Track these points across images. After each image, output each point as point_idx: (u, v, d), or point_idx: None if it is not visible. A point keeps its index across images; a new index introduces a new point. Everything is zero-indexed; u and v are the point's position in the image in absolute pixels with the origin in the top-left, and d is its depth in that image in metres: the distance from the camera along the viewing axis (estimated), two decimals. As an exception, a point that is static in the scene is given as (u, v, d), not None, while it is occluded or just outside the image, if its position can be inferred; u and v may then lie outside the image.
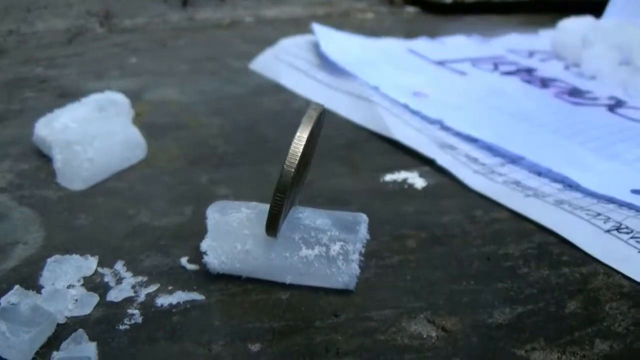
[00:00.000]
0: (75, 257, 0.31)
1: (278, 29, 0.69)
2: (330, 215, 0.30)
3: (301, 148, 0.26)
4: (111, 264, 0.31)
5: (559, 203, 0.35)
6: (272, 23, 0.72)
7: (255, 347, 0.26)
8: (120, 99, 0.44)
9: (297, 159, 0.26)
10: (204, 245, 0.29)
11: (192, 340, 0.26)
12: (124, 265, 0.31)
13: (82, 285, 0.29)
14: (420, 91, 0.50)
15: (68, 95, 0.50)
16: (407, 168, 0.41)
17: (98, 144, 0.38)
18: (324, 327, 0.27)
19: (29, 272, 0.30)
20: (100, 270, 0.30)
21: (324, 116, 0.30)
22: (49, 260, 0.30)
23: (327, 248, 0.28)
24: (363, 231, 0.30)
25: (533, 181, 0.38)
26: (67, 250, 0.31)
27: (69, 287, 0.29)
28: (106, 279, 0.30)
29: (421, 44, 0.63)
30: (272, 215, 0.27)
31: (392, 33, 0.68)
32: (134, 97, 0.52)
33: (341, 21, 0.72)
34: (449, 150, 0.41)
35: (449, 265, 0.31)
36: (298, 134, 0.26)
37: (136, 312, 0.28)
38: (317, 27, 0.58)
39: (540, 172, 0.39)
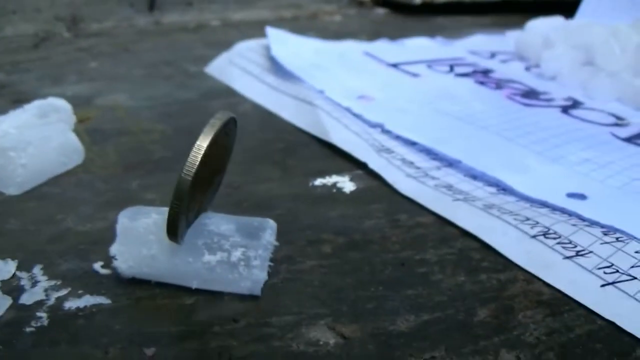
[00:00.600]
0: (-3, 261, 0.31)
1: (244, 32, 0.69)
2: (236, 221, 0.30)
3: (199, 157, 0.27)
4: (30, 268, 0.31)
5: (488, 207, 0.35)
6: (238, 26, 0.72)
7: (149, 351, 0.26)
8: (63, 105, 0.44)
9: (195, 167, 0.27)
10: (113, 249, 0.30)
11: (91, 343, 0.26)
12: (41, 269, 0.31)
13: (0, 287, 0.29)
14: (366, 94, 0.50)
15: (23, 101, 0.50)
16: (339, 172, 0.41)
17: (32, 150, 0.38)
18: (222, 333, 0.27)
19: None
20: (18, 274, 0.30)
21: (235, 125, 0.30)
22: (-34, 264, 0.30)
23: (228, 254, 0.29)
24: (268, 237, 0.30)
25: (466, 185, 0.38)
26: (-13, 253, 0.32)
27: (-19, 290, 0.29)
28: (22, 283, 0.30)
29: (378, 46, 0.62)
30: (169, 221, 0.27)
31: (358, 35, 0.68)
32: (85, 102, 0.52)
33: (308, 24, 0.72)
34: (385, 154, 0.41)
35: (361, 271, 0.31)
36: (198, 142, 0.27)
37: (44, 315, 0.28)
38: (270, 30, 0.58)
39: (475, 175, 0.39)
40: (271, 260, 0.30)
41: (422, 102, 0.49)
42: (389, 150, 0.42)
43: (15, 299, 0.29)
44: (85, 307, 0.28)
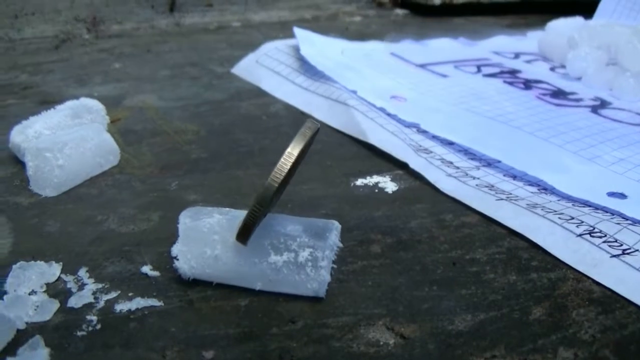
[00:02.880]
0: (40, 263, 0.31)
1: (265, 33, 0.69)
2: (301, 222, 0.30)
3: (289, 165, 0.26)
4: (75, 271, 0.31)
5: (532, 207, 0.35)
6: (259, 27, 0.72)
7: (208, 354, 0.26)
8: (95, 105, 0.44)
9: (283, 174, 0.26)
10: (175, 250, 0.29)
11: (146, 346, 0.26)
12: (87, 271, 0.31)
13: (45, 291, 0.29)
14: (398, 95, 0.50)
15: (49, 102, 0.50)
16: (379, 172, 0.40)
17: (69, 151, 0.38)
18: (280, 334, 0.27)
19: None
20: (63, 276, 0.30)
21: (318, 133, 0.30)
22: (14, 266, 0.30)
23: (295, 254, 0.28)
24: (334, 238, 0.30)
25: (507, 184, 0.38)
26: (33, 256, 0.31)
27: (30, 293, 0.29)
28: (68, 286, 0.30)
29: (404, 47, 0.62)
30: (245, 224, 0.27)
31: (378, 36, 0.68)
32: (113, 103, 0.52)
33: (328, 24, 0.72)
34: (424, 153, 0.41)
35: (413, 271, 0.31)
36: (289, 150, 0.27)
37: (94, 318, 0.27)
38: (298, 30, 0.58)
39: (515, 175, 0.39)
40: (331, 261, 0.30)
41: (453, 102, 0.49)
42: (427, 150, 0.42)
43: (63, 302, 0.28)
44: (137, 309, 0.28)
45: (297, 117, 0.50)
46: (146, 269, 0.31)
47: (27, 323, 0.27)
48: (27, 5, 0.71)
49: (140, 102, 0.52)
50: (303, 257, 0.28)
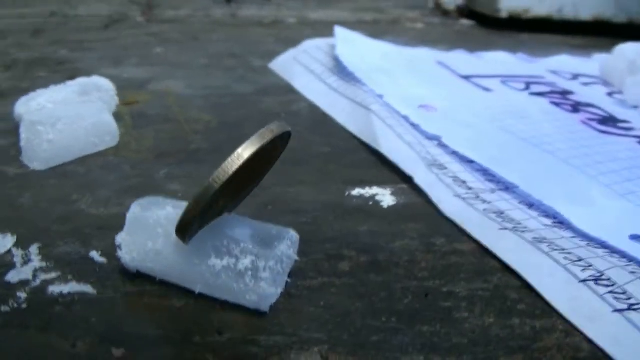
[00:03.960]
0: (-4, 233, 0.30)
1: (319, 31, 0.66)
2: (254, 226, 0.27)
3: (235, 167, 0.24)
4: (27, 246, 0.29)
5: (538, 241, 0.30)
6: (314, 25, 0.69)
7: (118, 352, 0.23)
8: (106, 84, 0.43)
9: (227, 177, 0.24)
10: (119, 238, 0.28)
11: (60, 334, 0.24)
12: (38, 248, 0.29)
13: (-12, 262, 0.28)
14: (429, 104, 0.46)
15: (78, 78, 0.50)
16: (382, 184, 0.37)
17: (61, 126, 0.37)
18: (200, 344, 0.24)
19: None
20: (14, 250, 0.29)
21: (288, 138, 0.27)
22: (-31, 232, 0.29)
23: (236, 260, 0.25)
24: (284, 249, 0.26)
25: (519, 213, 0.33)
26: (-7, 226, 0.30)
27: (-26, 262, 0.28)
28: (15, 260, 0.28)
29: (453, 56, 0.58)
30: (181, 222, 0.25)
31: (436, 44, 0.64)
32: (138, 86, 0.51)
33: (388, 28, 0.68)
34: (436, 169, 0.37)
35: (375, 297, 0.27)
36: (239, 151, 0.24)
37: (24, 296, 0.26)
38: (338, 29, 0.55)
39: (532, 204, 0.34)
40: (278, 273, 0.27)
41: (488, 118, 0.45)
42: (441, 166, 0.38)
43: (2, 275, 0.27)
44: (69, 294, 0.26)
45: (318, 119, 0.47)
46: (95, 254, 0.29)
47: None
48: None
49: (165, 87, 0.51)
50: (243, 265, 0.25)
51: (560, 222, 0.33)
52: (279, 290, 0.27)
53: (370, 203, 0.35)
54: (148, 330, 0.25)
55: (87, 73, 0.51)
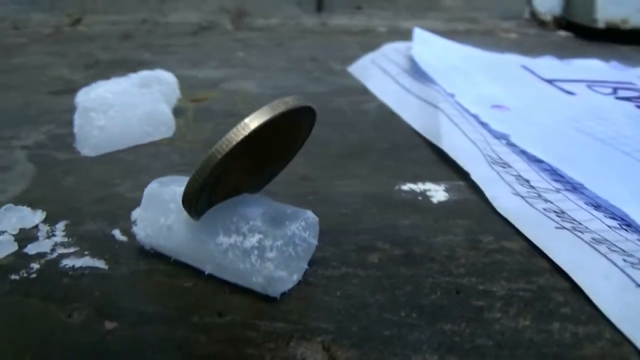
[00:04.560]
0: (24, 209, 0.30)
1: (409, 39, 0.64)
2: (269, 205, 0.25)
3: (240, 138, 0.22)
4: (55, 223, 0.29)
5: (596, 242, 0.26)
6: (404, 34, 0.67)
7: (110, 325, 0.22)
8: (168, 77, 0.43)
9: (231, 146, 0.22)
10: (134, 214, 0.27)
11: (60, 304, 0.24)
12: (65, 225, 0.29)
13: (15, 234, 0.28)
14: (502, 104, 0.42)
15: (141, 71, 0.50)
16: (436, 180, 0.34)
17: (113, 113, 0.37)
18: (197, 324, 0.22)
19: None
20: (41, 225, 0.29)
21: (312, 116, 0.25)
22: (2, 208, 0.30)
23: (243, 238, 0.24)
24: (296, 229, 0.24)
25: (582, 214, 0.29)
26: (31, 203, 0.30)
27: (0, 233, 0.28)
28: (39, 234, 0.28)
29: (541, 62, 0.54)
30: (184, 192, 0.23)
31: (527, 54, 0.59)
32: (211, 85, 0.51)
33: (481, 39, 0.65)
34: (499, 167, 0.34)
35: (400, 290, 0.24)
36: (245, 120, 0.22)
37: (36, 266, 0.26)
38: (418, 30, 0.53)
39: (598, 204, 0.30)
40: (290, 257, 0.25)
41: (564, 119, 0.41)
42: (504, 164, 0.34)
43: (23, 247, 0.27)
44: (80, 267, 0.26)
45: (385, 117, 0.44)
46: (117, 232, 0.28)
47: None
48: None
49: (236, 86, 0.50)
50: (250, 243, 0.23)
51: (628, 225, 0.28)
52: (295, 277, 0.24)
53: (420, 198, 0.32)
54: (147, 307, 0.23)
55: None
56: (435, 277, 0.25)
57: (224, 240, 0.24)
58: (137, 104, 0.38)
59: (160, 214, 0.26)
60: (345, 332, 0.22)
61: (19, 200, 0.31)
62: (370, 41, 0.66)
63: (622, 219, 0.29)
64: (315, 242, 0.25)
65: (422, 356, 0.21)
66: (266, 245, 0.23)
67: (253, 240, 0.23)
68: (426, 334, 0.22)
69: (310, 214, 0.25)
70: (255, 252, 0.23)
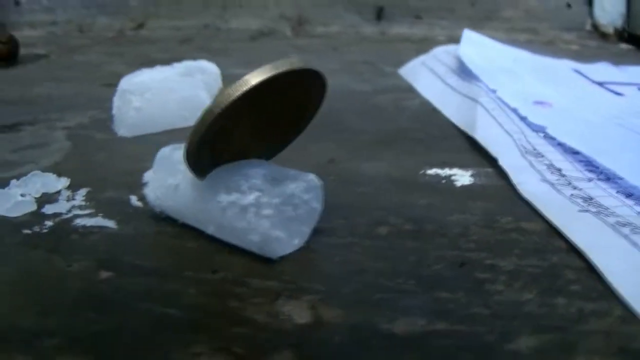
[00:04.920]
0: (50, 175, 0.31)
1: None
2: (273, 168, 0.25)
3: (239, 93, 0.22)
4: (77, 189, 0.30)
5: (620, 224, 0.24)
6: (462, 43, 0.66)
7: (104, 274, 0.23)
8: (210, 67, 0.44)
9: (230, 101, 0.22)
10: (146, 176, 0.27)
11: (64, 256, 0.24)
12: (87, 192, 0.30)
13: (38, 197, 0.29)
14: (545, 101, 0.41)
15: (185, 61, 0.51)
16: (464, 166, 0.33)
17: (150, 96, 0.38)
18: (188, 279, 0.23)
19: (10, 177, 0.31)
20: (64, 191, 0.30)
21: (322, 83, 0.25)
22: (30, 173, 0.31)
23: (241, 195, 0.23)
24: (294, 189, 0.24)
25: (612, 200, 0.27)
26: (59, 173, 0.31)
27: (23, 195, 0.29)
28: (60, 198, 0.29)
29: (593, 67, 0.52)
30: (185, 148, 0.23)
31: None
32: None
33: (540, 49, 0.63)
34: (531, 156, 0.32)
35: (401, 260, 0.24)
36: (246, 77, 0.22)
37: (50, 224, 0.27)
38: (467, 32, 0.52)
39: (632, 193, 0.28)
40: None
41: (607, 117, 0.39)
42: (538, 154, 0.33)
43: (41, 207, 0.28)
44: (91, 226, 0.27)
45: (425, 112, 0.43)
46: (133, 198, 0.29)
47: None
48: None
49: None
50: (247, 201, 0.23)
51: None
52: (296, 242, 0.24)
53: (444, 182, 0.31)
54: (145, 262, 0.24)
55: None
56: (441, 250, 0.24)
57: (224, 198, 0.24)
58: (176, 89, 0.39)
59: (168, 174, 0.26)
60: (335, 294, 0.21)
61: (47, 170, 0.32)
62: (427, 48, 0.66)
63: (654, 205, 0.27)
64: (319, 207, 0.25)
65: (411, 320, 0.20)
66: (262, 202, 0.23)
67: (250, 197, 0.23)
68: (420, 300, 0.21)
69: (312, 176, 0.25)
70: (252, 209, 0.23)
